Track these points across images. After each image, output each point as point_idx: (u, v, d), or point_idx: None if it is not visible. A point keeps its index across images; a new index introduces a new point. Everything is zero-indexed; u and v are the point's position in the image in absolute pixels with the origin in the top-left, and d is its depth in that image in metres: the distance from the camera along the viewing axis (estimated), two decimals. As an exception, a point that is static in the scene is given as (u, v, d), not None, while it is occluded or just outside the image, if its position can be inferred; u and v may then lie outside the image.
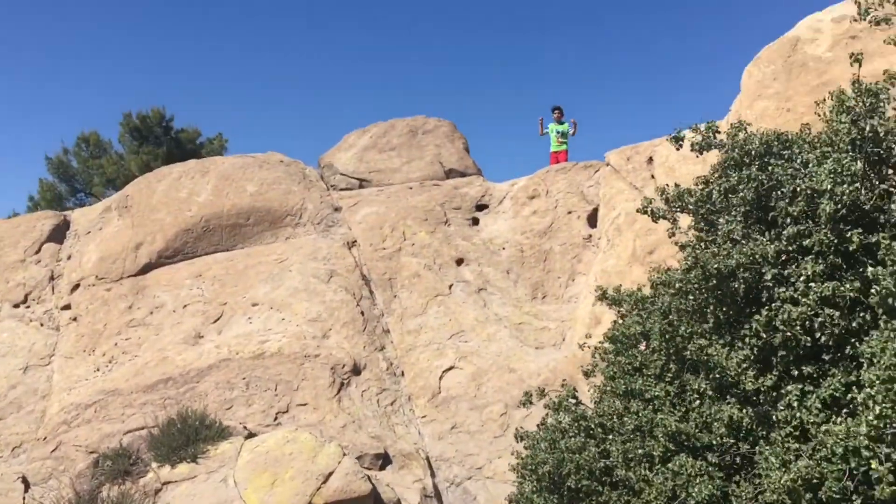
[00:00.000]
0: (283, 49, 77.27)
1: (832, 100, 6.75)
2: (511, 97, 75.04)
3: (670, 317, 6.56)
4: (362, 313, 13.73)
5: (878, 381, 4.51)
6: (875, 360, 4.80)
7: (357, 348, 13.13)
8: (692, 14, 70.69)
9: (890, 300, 4.99)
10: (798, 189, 5.91)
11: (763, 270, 5.94)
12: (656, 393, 6.35)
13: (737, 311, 6.14)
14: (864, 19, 7.66)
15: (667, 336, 6.51)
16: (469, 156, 19.18)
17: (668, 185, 7.69)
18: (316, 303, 13.76)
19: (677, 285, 6.23)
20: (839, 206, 5.62)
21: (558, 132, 18.48)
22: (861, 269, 5.51)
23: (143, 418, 11.94)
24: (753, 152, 6.71)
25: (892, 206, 5.64)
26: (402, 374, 13.16)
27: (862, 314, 5.44)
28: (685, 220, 7.87)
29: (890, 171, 6.03)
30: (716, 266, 5.97)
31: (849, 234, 5.53)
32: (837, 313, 5.43)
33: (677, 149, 7.91)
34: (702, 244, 6.40)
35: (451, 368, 13.02)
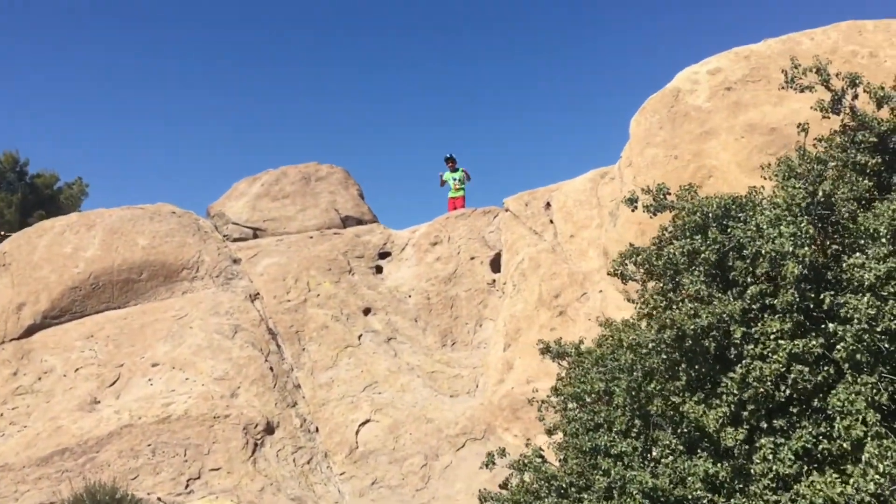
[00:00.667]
0: (152, 88, 74.46)
1: (779, 165, 7.25)
2: (403, 144, 75.24)
3: (635, 374, 6.78)
4: (271, 369, 13.35)
5: (869, 439, 4.87)
6: (845, 412, 5.18)
7: (269, 406, 12.74)
8: (579, 63, 73.56)
9: (857, 356, 5.40)
10: (763, 251, 6.28)
11: (731, 329, 6.26)
12: (623, 449, 6.52)
13: (708, 369, 6.43)
14: (789, 87, 8.26)
15: (633, 393, 6.71)
16: (364, 202, 19.15)
17: (629, 245, 7.98)
18: (222, 360, 13.27)
19: (650, 345, 6.45)
20: (803, 267, 6.02)
21: (454, 179, 18.78)
22: (822, 326, 5.94)
23: (40, 495, 11.07)
24: (711, 215, 7.08)
25: (848, 266, 6.07)
26: (317, 430, 12.85)
27: (826, 368, 5.85)
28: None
29: (836, 233, 6.51)
30: (692, 327, 6.24)
31: (821, 296, 5.95)
32: (807, 369, 5.81)
33: (632, 210, 8.23)
34: (671, 305, 6.66)
35: (367, 422, 12.85)
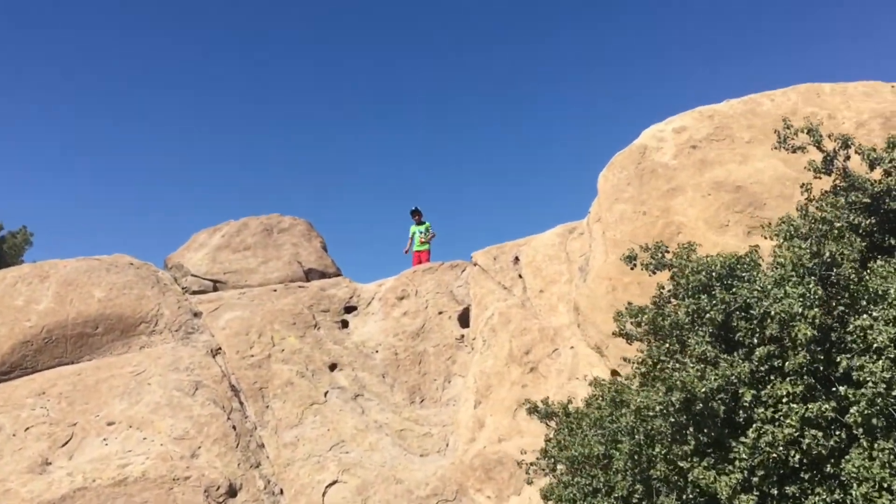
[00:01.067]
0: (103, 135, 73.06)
1: (781, 224, 7.22)
2: (368, 197, 74.63)
3: (637, 437, 6.59)
4: (234, 427, 12.85)
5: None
6: (861, 478, 5.06)
7: (231, 467, 12.21)
8: (543, 118, 74.39)
9: (872, 420, 5.30)
10: (772, 312, 6.19)
11: (740, 392, 6.13)
12: None
13: (717, 433, 6.27)
14: (782, 147, 8.32)
15: (635, 457, 6.52)
16: (328, 255, 18.87)
17: (629, 304, 7.86)
18: (182, 418, 12.73)
19: (657, 408, 6.27)
20: (814, 329, 5.94)
21: (420, 232, 18.64)
22: (833, 389, 5.84)
23: (-16, 566, 10.34)
24: (715, 274, 7.01)
25: (855, 328, 5.99)
26: (282, 491, 12.35)
27: (838, 433, 5.73)
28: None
29: (845, 294, 6.45)
30: (702, 389, 6.08)
31: (834, 358, 5.87)
32: (821, 433, 5.69)
33: (631, 268, 8.15)
34: (677, 366, 6.50)
35: (334, 483, 12.39)
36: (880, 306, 6.01)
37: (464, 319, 15.49)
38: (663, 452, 6.25)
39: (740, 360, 6.26)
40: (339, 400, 13.77)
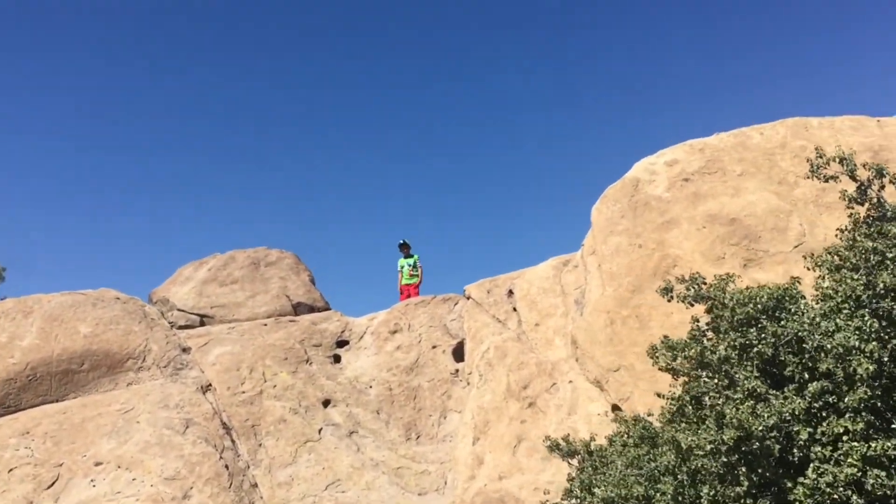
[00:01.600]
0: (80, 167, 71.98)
1: (827, 255, 7.10)
2: (355, 229, 73.83)
3: (679, 477, 6.41)
4: (226, 466, 12.49)
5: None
6: None
7: (224, 508, 11.84)
8: (536, 153, 74.40)
9: None
10: (828, 346, 6.07)
11: (795, 429, 5.98)
12: None
13: (772, 473, 6.10)
14: (814, 176, 8.26)
15: (679, 499, 6.33)
16: (315, 288, 18.63)
17: (665, 337, 7.66)
18: (172, 458, 12.35)
19: (707, 447, 6.10)
20: (873, 363, 5.81)
21: (409, 265, 18.48)
22: (893, 427, 5.73)
23: None
24: (762, 307, 6.88)
25: None
26: (277, 533, 11.98)
27: None
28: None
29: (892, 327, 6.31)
30: (759, 427, 5.92)
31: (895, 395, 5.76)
32: (884, 473, 5.55)
33: (668, 300, 8.00)
34: (728, 402, 6.32)
35: (331, 523, 12.06)
36: None
37: (458, 353, 15.30)
38: (711, 494, 6.08)
39: (793, 396, 6.12)
40: (334, 437, 13.47)
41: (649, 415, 8.77)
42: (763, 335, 6.63)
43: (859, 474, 5.55)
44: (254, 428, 13.43)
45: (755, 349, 6.57)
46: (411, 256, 18.79)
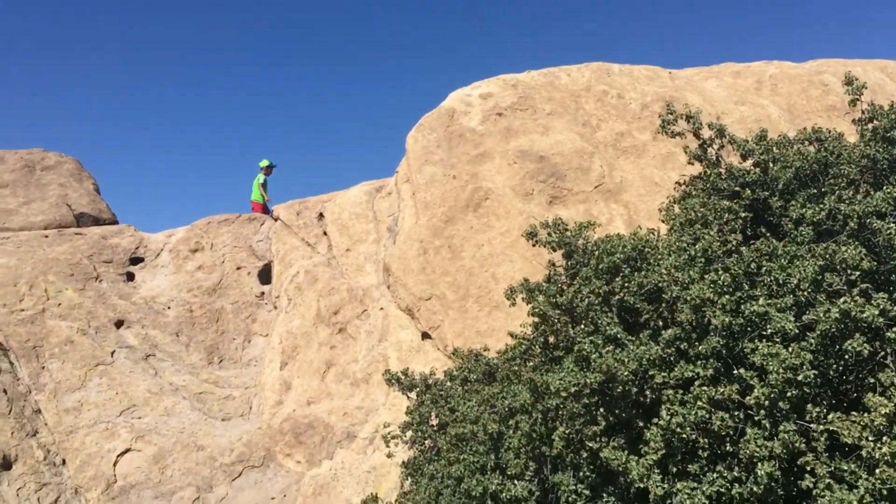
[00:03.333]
0: None
1: (676, 209, 7.37)
2: (147, 139, 66.85)
3: (535, 415, 6.53)
4: (4, 391, 11.31)
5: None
6: (762, 458, 5.47)
7: (3, 436, 10.77)
8: (353, 79, 71.06)
9: (779, 403, 5.69)
10: (687, 297, 6.34)
11: (650, 374, 6.24)
12: (518, 493, 6.25)
13: (627, 414, 6.36)
14: (663, 132, 8.52)
15: (532, 436, 6.46)
16: (101, 198, 17.11)
17: (525, 280, 7.63)
18: (-62, 383, 10.97)
19: (572, 389, 6.21)
20: (728, 315, 6.17)
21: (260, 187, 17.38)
22: (734, 373, 6.16)
23: None
24: (625, 256, 7.04)
25: (753, 314, 6.28)
26: (64, 462, 11.10)
27: (737, 413, 6.05)
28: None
29: (746, 282, 6.74)
30: (624, 372, 6.11)
31: (741, 345, 6.14)
32: (727, 415, 5.96)
33: (533, 245, 7.98)
34: (593, 348, 6.45)
35: (126, 451, 11.37)
36: (780, 295, 6.44)
37: (264, 276, 14.79)
38: (566, 432, 6.30)
39: (649, 343, 6.43)
40: (129, 360, 12.60)
41: (485, 350, 8.99)
42: (627, 284, 6.91)
43: (707, 416, 6.02)
44: (35, 349, 12.21)
45: (617, 297, 6.85)
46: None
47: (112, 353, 12.59)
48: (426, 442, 8.14)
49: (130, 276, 14.32)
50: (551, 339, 7.42)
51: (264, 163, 17.77)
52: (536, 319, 7.39)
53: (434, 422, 8.28)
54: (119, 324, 13.15)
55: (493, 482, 6.37)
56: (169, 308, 13.79)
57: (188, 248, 14.78)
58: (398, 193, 15.25)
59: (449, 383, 8.11)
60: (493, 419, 6.87)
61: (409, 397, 8.59)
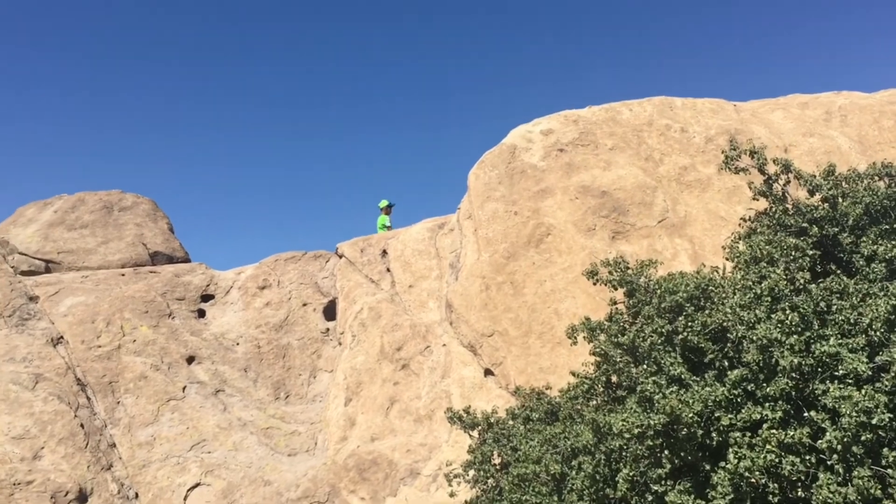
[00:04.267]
0: None
1: (741, 246, 7.30)
2: (219, 178, 69.05)
3: (598, 457, 6.51)
4: (82, 425, 11.71)
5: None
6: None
7: (80, 469, 11.13)
8: (412, 115, 72.57)
9: (853, 447, 5.56)
10: (753, 337, 6.28)
11: (716, 415, 6.19)
12: None
13: (693, 457, 6.30)
14: (727, 168, 8.47)
15: (596, 478, 6.44)
16: (175, 237, 17.70)
17: (586, 318, 7.66)
18: (21, 415, 11.43)
19: (636, 431, 6.20)
20: (795, 356, 6.09)
21: (385, 227, 18.01)
22: (804, 416, 6.05)
23: None
24: (688, 295, 7.02)
25: (824, 354, 6.16)
26: (137, 495, 11.41)
27: (808, 458, 5.93)
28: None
29: (815, 321, 6.62)
30: (689, 413, 6.06)
31: (811, 386, 6.05)
32: (798, 460, 5.86)
33: (593, 284, 8.02)
34: (656, 388, 6.42)
35: (196, 486, 11.63)
36: (852, 335, 6.30)
37: (329, 312, 15.03)
38: (630, 474, 6.24)
39: (715, 384, 6.35)
40: (199, 395, 12.92)
41: (547, 388, 8.96)
42: (690, 323, 6.84)
43: (777, 460, 5.89)
44: (111, 385, 12.63)
45: (680, 336, 6.79)
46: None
47: (183, 389, 12.94)
48: (489, 481, 8.13)
49: (202, 313, 14.73)
50: (614, 379, 7.36)
51: (383, 203, 18.41)
52: (598, 359, 7.35)
53: (496, 461, 8.28)
54: (190, 359, 13.52)
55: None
56: (238, 344, 14.12)
57: (256, 285, 15.15)
58: (460, 230, 15.39)
59: (511, 422, 8.11)
60: (556, 459, 6.83)
61: (470, 436, 8.61)
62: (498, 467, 8.55)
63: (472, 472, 8.11)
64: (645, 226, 15.15)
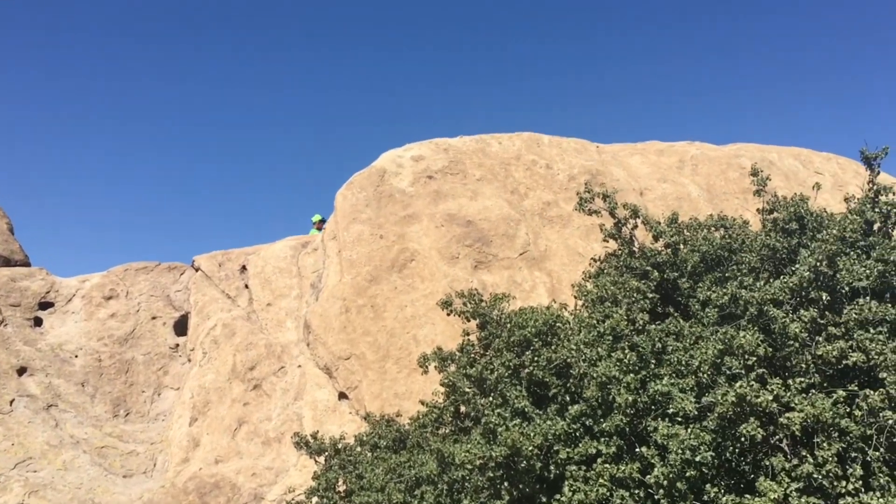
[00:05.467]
0: None
1: (589, 286, 7.50)
2: (67, 182, 64.70)
3: (440, 486, 6.46)
4: None
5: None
6: None
7: None
8: (281, 133, 70.61)
9: (677, 483, 5.77)
10: (594, 374, 6.42)
11: (555, 449, 6.26)
12: None
13: (531, 489, 6.34)
14: (581, 210, 8.70)
15: None
16: (14, 238, 16.56)
17: (438, 349, 7.65)
18: None
19: (477, 462, 6.18)
20: (632, 394, 6.27)
21: None
22: (636, 451, 6.23)
23: None
24: (536, 330, 7.12)
25: (656, 393, 6.42)
26: (-52, 518, 10.49)
27: (637, 491, 6.10)
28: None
29: (652, 361, 6.87)
30: (529, 447, 6.10)
31: (643, 423, 6.22)
32: (627, 493, 6.00)
33: (447, 314, 8.00)
34: (500, 420, 6.45)
35: (18, 507, 10.81)
36: (683, 375, 6.60)
37: (180, 327, 14.45)
38: None
39: (556, 418, 6.48)
40: (28, 410, 12.08)
41: (398, 415, 8.91)
42: (536, 358, 6.98)
43: (608, 494, 6.07)
44: (-72, 395, 11.62)
45: (527, 370, 6.92)
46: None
47: (11, 402, 12.07)
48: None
49: (38, 321, 13.82)
50: (462, 409, 7.43)
51: (316, 217, 17.90)
52: (447, 389, 7.41)
53: (342, 488, 8.15)
54: (21, 371, 12.64)
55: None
56: (76, 356, 13.32)
57: (102, 295, 14.38)
58: (324, 250, 15.19)
59: (359, 448, 8.01)
60: (399, 488, 6.80)
61: (316, 461, 8.44)
62: (343, 494, 8.42)
63: (315, 500, 7.94)
64: (507, 257, 15.46)
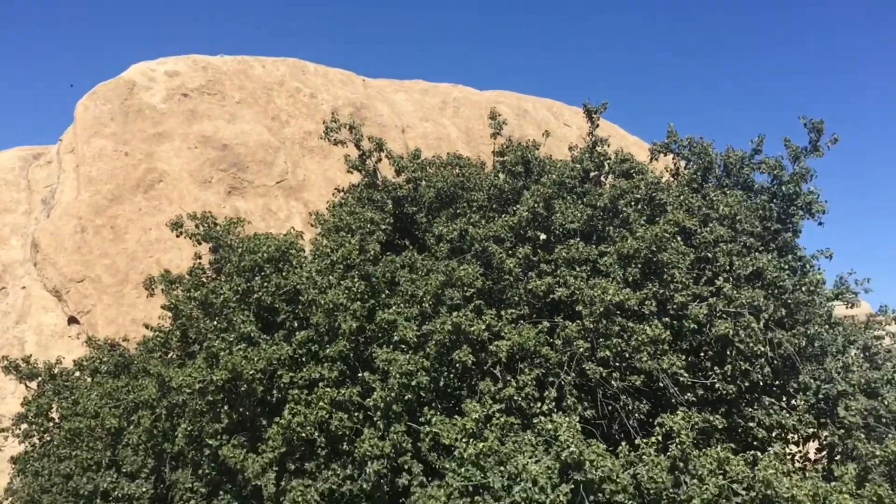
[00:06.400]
0: None
1: (328, 216, 7.45)
2: None
3: (158, 411, 6.24)
4: None
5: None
6: (373, 457, 5.81)
7: None
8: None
9: (393, 406, 6.00)
10: (322, 301, 6.43)
11: (279, 373, 6.25)
12: (131, 492, 5.94)
13: (251, 412, 6.29)
14: (327, 139, 8.58)
15: (154, 432, 6.18)
16: None
17: (165, 271, 7.30)
18: None
19: (197, 386, 5.98)
20: (356, 321, 6.38)
21: None
22: (358, 375, 6.39)
23: None
24: (268, 256, 6.99)
25: (381, 320, 6.59)
26: None
27: (357, 414, 6.30)
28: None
29: (383, 291, 7.00)
30: (250, 371, 6.02)
31: (368, 349, 6.32)
32: (346, 416, 6.15)
33: (177, 236, 7.66)
34: (223, 344, 6.28)
35: None
36: (407, 305, 6.87)
37: None
38: (188, 429, 6.18)
39: (282, 343, 6.53)
40: None
41: (125, 340, 8.55)
42: (266, 284, 6.98)
43: (327, 416, 6.28)
44: None
45: (255, 295, 6.91)
46: None
47: None
48: (44, 436, 7.57)
49: None
50: (190, 334, 7.31)
51: None
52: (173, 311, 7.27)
53: (55, 414, 7.73)
54: None
55: (105, 480, 6.15)
56: None
57: None
58: (60, 164, 14.02)
59: (77, 374, 7.63)
60: (115, 413, 6.61)
61: (28, 387, 7.95)
62: (57, 421, 8.01)
63: (24, 426, 7.49)
64: (263, 184, 15.19)
